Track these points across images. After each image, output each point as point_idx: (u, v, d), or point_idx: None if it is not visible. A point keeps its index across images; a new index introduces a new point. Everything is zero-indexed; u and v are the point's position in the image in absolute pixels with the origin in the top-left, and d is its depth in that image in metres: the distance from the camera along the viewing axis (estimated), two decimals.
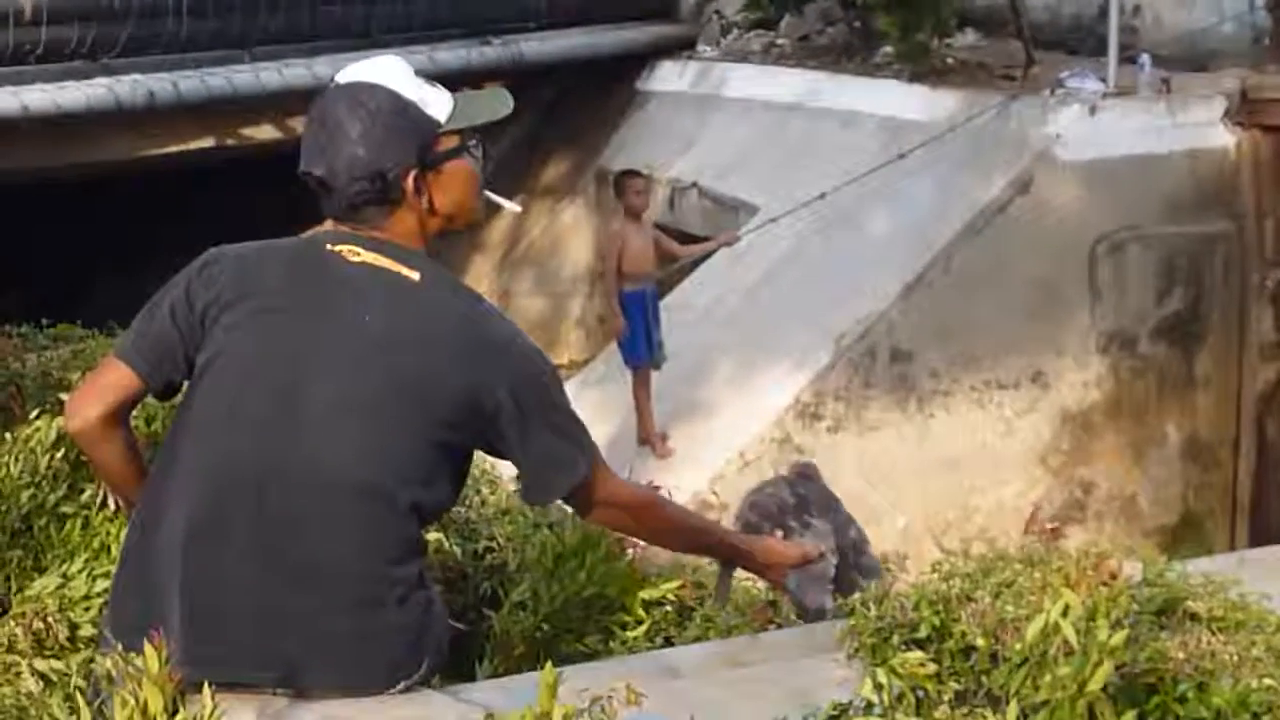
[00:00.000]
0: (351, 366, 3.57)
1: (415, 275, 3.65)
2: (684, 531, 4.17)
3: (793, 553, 4.24)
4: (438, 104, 3.73)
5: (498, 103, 3.91)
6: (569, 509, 4.12)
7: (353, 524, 3.54)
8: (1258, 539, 12.97)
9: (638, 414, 12.58)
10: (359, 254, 3.65)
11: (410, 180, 3.67)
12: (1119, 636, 2.81)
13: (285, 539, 3.53)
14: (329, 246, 3.67)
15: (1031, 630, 2.87)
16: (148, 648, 2.90)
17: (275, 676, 3.52)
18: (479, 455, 3.89)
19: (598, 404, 13.10)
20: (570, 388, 14.61)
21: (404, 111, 3.68)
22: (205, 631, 3.47)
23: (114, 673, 3.08)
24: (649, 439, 12.49)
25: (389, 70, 3.72)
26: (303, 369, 3.58)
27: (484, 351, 3.64)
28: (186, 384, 3.74)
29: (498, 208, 4.04)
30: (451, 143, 3.74)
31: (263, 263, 3.71)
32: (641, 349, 12.59)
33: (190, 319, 3.66)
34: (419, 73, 3.79)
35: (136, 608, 3.59)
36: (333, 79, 3.78)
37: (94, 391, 3.76)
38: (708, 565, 5.07)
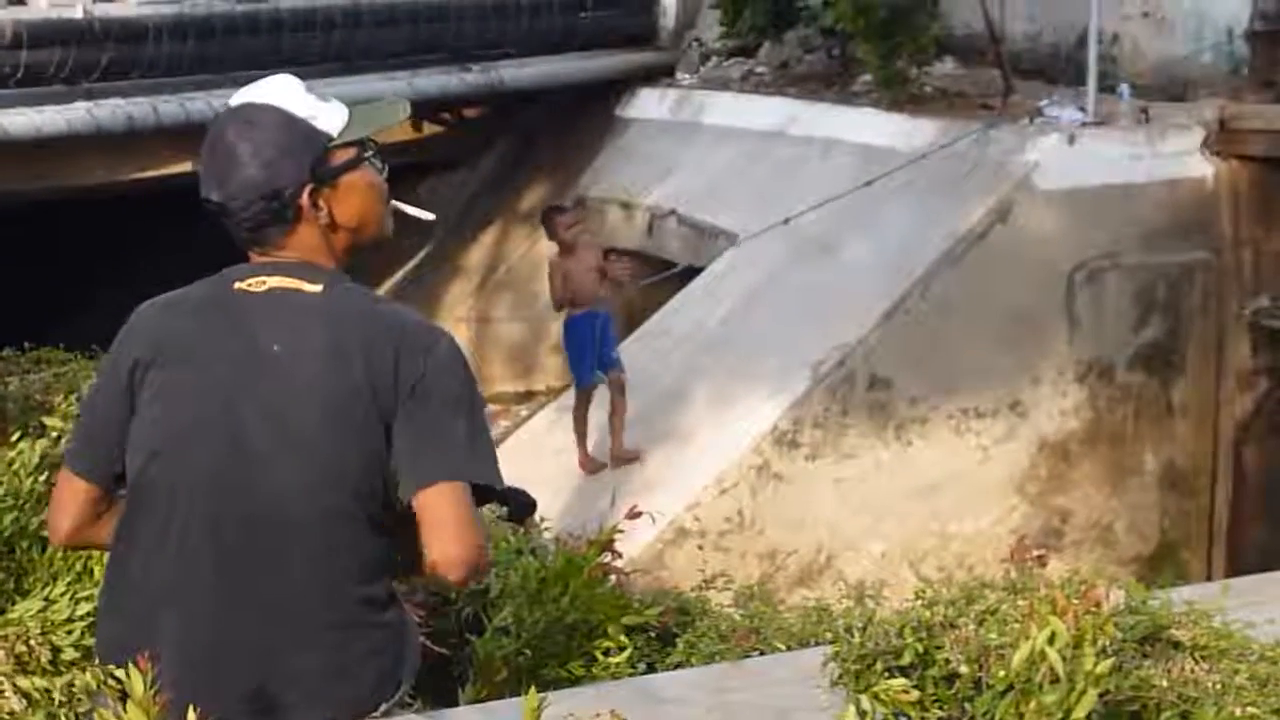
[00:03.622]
0: (280, 399, 3.54)
1: (317, 288, 3.61)
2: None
3: None
4: (329, 117, 3.68)
5: (393, 111, 3.87)
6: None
7: (321, 554, 3.53)
8: (1235, 567, 12.99)
9: (576, 434, 12.82)
10: (264, 282, 3.62)
11: (306, 196, 3.63)
12: (1105, 665, 2.82)
13: (255, 580, 3.52)
14: (235, 285, 3.64)
15: (1017, 657, 2.87)
16: (133, 670, 2.87)
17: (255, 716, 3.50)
18: None
19: (572, 429, 13.11)
20: (547, 414, 14.70)
21: (293, 127, 3.63)
22: (184, 677, 3.41)
23: (95, 690, 3.05)
24: (583, 460, 12.74)
25: (279, 89, 3.68)
26: (235, 415, 3.54)
27: (393, 336, 3.57)
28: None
29: (410, 218, 3.95)
30: (347, 155, 3.69)
31: (174, 318, 3.67)
32: (586, 371, 12.75)
33: (122, 394, 3.63)
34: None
35: (120, 630, 3.59)
36: (226, 104, 3.72)
37: (58, 508, 3.77)
38: (690, 592, 5.08)
